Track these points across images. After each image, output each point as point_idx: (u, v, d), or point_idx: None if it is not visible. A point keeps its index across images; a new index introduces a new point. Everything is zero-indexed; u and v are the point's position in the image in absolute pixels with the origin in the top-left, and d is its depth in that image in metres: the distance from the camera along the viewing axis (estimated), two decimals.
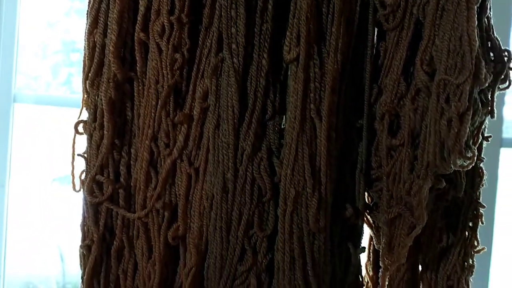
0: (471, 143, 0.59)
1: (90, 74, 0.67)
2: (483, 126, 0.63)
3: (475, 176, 0.70)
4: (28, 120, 1.71)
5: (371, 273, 0.76)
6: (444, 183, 0.62)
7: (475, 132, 0.61)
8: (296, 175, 0.63)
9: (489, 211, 1.32)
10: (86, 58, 0.68)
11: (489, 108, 0.64)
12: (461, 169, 0.60)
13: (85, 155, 0.70)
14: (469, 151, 0.59)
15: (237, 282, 0.65)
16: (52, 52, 1.85)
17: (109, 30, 0.66)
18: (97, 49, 0.67)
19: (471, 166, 0.60)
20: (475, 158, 0.60)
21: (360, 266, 0.71)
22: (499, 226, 1.48)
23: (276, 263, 0.65)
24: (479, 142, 0.63)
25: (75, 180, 0.72)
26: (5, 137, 1.50)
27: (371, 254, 0.76)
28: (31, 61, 1.75)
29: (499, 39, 0.66)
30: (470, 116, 0.58)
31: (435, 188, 0.62)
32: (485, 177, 0.71)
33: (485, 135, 0.69)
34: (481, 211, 0.71)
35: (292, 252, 0.64)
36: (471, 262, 0.70)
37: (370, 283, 0.76)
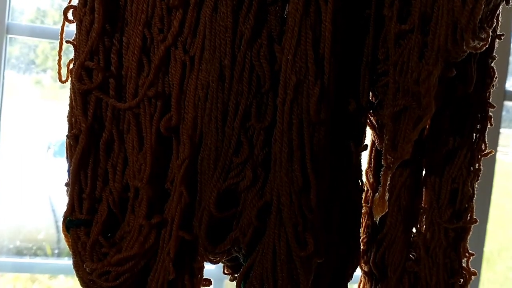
0: (485, 25, 0.55)
1: None
2: (498, 12, 0.59)
3: (486, 76, 0.66)
4: None
5: (371, 180, 0.73)
6: (455, 72, 0.58)
7: (490, 14, 0.57)
8: (298, 61, 0.59)
9: (491, 159, 1.30)
10: None
11: None
12: (474, 51, 0.56)
13: (74, 42, 0.66)
14: (483, 31, 0.55)
15: (232, 174, 0.62)
16: None
17: None
18: None
19: (484, 48, 0.56)
20: (489, 39, 0.56)
21: (361, 169, 0.68)
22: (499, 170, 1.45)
23: (273, 155, 0.61)
24: (493, 26, 0.58)
25: (61, 71, 0.69)
26: None
27: (372, 160, 0.73)
28: None
29: None
30: None
31: (445, 77, 0.59)
32: (495, 79, 0.67)
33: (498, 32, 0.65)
34: (490, 113, 0.67)
35: (290, 144, 0.60)
36: (477, 166, 0.67)
37: (370, 191, 0.74)
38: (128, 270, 0.62)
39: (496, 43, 0.66)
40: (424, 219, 0.69)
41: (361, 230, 0.74)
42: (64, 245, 1.71)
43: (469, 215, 0.67)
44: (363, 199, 0.72)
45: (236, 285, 0.63)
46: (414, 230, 0.72)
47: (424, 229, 0.68)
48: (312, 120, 0.60)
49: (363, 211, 0.73)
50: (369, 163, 0.73)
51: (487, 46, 0.56)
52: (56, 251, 1.70)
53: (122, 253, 0.62)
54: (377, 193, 0.65)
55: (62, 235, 0.70)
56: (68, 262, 1.43)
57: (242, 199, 0.62)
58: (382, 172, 0.64)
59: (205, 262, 0.68)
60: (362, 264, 0.74)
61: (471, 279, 0.69)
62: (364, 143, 0.67)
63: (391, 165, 0.63)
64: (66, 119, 0.67)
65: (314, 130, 0.61)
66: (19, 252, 1.67)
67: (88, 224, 0.65)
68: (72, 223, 0.65)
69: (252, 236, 0.62)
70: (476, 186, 0.68)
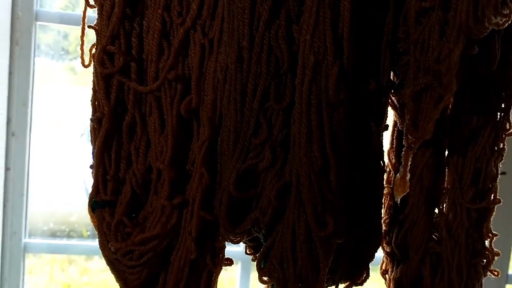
0: (508, 0, 0.54)
1: None
2: None
3: (510, 53, 0.64)
4: None
5: (393, 161, 0.72)
6: (477, 49, 0.57)
7: None
8: (316, 41, 0.59)
9: None
10: None
11: None
12: (496, 28, 0.55)
13: (96, 27, 0.67)
14: (505, 7, 0.53)
15: (251, 155, 0.62)
16: None
17: None
18: None
19: (507, 24, 0.55)
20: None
21: (382, 149, 0.68)
22: None
23: (292, 136, 0.61)
24: None
25: (84, 56, 0.70)
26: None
27: (394, 140, 0.72)
28: None
29: None
30: None
31: (467, 55, 0.58)
32: None
33: None
34: None
35: (309, 124, 0.60)
36: (501, 146, 0.66)
37: (392, 171, 0.73)
38: (151, 249, 0.64)
39: None
40: (446, 199, 0.68)
41: (383, 211, 0.73)
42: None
43: (492, 195, 0.66)
44: (385, 180, 0.72)
45: (257, 265, 0.64)
46: (436, 211, 0.71)
47: (446, 209, 0.68)
48: (331, 101, 0.60)
49: (385, 192, 0.73)
50: (391, 143, 0.73)
51: (509, 22, 0.55)
52: (89, 233, 1.76)
53: (145, 233, 0.64)
54: (398, 174, 0.64)
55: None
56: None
57: (262, 180, 0.63)
58: (403, 152, 0.64)
59: (228, 243, 0.69)
60: (384, 244, 0.74)
61: (494, 259, 0.68)
62: (385, 123, 0.66)
63: (413, 145, 0.62)
64: (90, 103, 0.68)
65: (333, 111, 0.61)
66: (53, 234, 1.72)
67: (113, 205, 0.66)
68: (97, 204, 0.67)
69: (272, 216, 0.62)
70: (501, 166, 0.67)
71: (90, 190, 0.67)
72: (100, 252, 0.68)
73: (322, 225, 0.61)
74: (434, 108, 0.61)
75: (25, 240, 1.33)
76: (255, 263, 0.66)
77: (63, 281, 2.01)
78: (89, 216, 0.68)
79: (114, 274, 0.67)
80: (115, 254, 0.65)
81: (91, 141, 0.68)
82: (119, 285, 0.68)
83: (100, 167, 0.67)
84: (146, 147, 0.67)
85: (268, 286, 0.82)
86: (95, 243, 0.68)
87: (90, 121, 0.67)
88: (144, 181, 0.67)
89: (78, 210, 1.78)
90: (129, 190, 0.66)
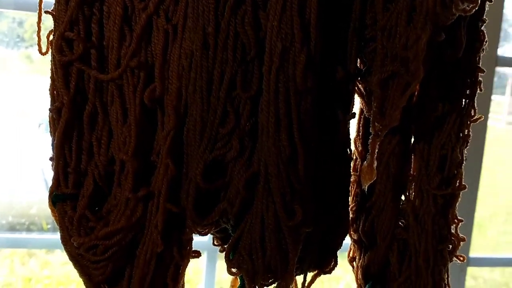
0: None
1: None
2: None
3: (475, 40, 0.65)
4: None
5: (360, 148, 0.72)
6: (444, 36, 0.57)
7: None
8: (284, 27, 0.58)
9: (482, 125, 1.30)
10: None
11: None
12: (463, 14, 0.55)
13: (53, 12, 0.64)
14: None
15: (219, 145, 0.61)
16: None
17: None
18: None
19: (473, 10, 0.55)
20: (479, 1, 0.55)
21: (349, 137, 0.68)
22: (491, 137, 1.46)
23: (260, 125, 0.60)
24: None
25: (41, 43, 0.67)
26: None
27: (360, 128, 0.72)
28: None
29: None
30: None
31: (434, 42, 0.57)
32: (485, 43, 0.66)
33: None
34: (479, 77, 0.66)
35: (277, 113, 0.59)
36: (466, 132, 0.67)
37: (358, 159, 0.73)
38: (116, 243, 0.62)
39: (487, 6, 0.65)
40: (413, 186, 0.68)
41: (350, 198, 0.73)
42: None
43: (458, 181, 0.67)
44: (351, 168, 0.71)
45: (225, 256, 0.63)
46: (403, 198, 0.71)
47: (413, 196, 0.68)
48: (299, 88, 0.59)
49: (352, 179, 0.72)
50: (358, 131, 0.73)
51: (476, 8, 0.55)
52: (49, 226, 1.71)
53: (109, 227, 0.62)
54: (366, 161, 0.64)
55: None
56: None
57: (229, 170, 0.62)
58: (370, 140, 0.64)
59: (195, 234, 0.68)
60: (351, 232, 0.74)
61: (460, 245, 0.69)
62: (352, 111, 0.66)
63: (380, 133, 0.62)
64: (48, 92, 0.65)
65: (301, 99, 0.60)
66: (12, 228, 1.67)
67: (74, 198, 0.64)
68: (58, 198, 0.64)
69: (240, 206, 0.61)
70: (466, 152, 0.68)
71: (50, 182, 0.64)
72: (62, 246, 0.65)
73: (291, 214, 0.60)
74: (401, 95, 0.60)
75: None
76: (223, 254, 0.65)
77: (24, 275, 1.96)
78: (49, 208, 0.66)
79: (77, 269, 0.65)
80: (78, 249, 0.63)
81: (51, 132, 0.65)
82: (83, 280, 0.65)
83: (61, 159, 0.64)
84: (108, 138, 0.64)
85: (235, 279, 0.82)
86: (56, 236, 0.66)
87: (48, 111, 0.64)
88: (107, 173, 0.64)
89: (38, 202, 1.73)
90: (91, 182, 0.64)
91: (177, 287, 0.66)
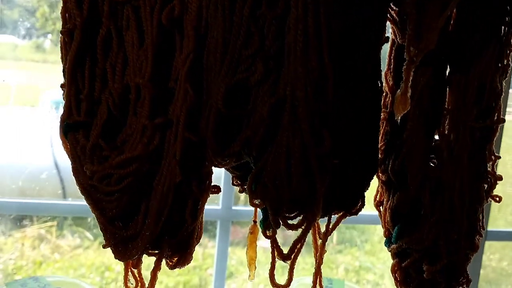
0: None
1: None
2: None
3: None
4: None
5: (391, 82, 0.68)
6: None
7: None
8: None
9: None
10: None
11: None
12: None
13: None
14: None
15: (242, 68, 0.57)
16: None
17: None
18: None
19: None
20: None
21: (380, 67, 0.63)
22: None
23: (287, 45, 0.56)
24: None
25: None
26: None
27: (392, 61, 0.68)
28: None
29: None
30: None
31: None
32: None
33: None
34: None
35: (306, 32, 0.55)
36: (505, 62, 0.62)
37: (389, 95, 0.69)
38: (132, 173, 0.58)
39: None
40: (447, 121, 0.64)
41: (380, 138, 0.69)
42: (67, 185, 1.68)
43: (496, 114, 0.62)
44: (382, 104, 0.67)
45: (248, 187, 0.58)
46: (436, 137, 0.67)
47: (447, 131, 0.64)
48: (329, 7, 0.55)
49: (381, 117, 0.68)
50: (389, 65, 0.68)
51: None
52: (59, 192, 1.68)
53: (124, 154, 0.58)
54: (399, 90, 0.60)
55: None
56: (73, 202, 1.40)
57: (253, 96, 0.57)
58: (404, 67, 0.59)
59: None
60: (379, 174, 0.70)
61: (496, 183, 0.65)
62: (385, 35, 0.61)
63: (415, 58, 0.58)
64: (60, 15, 0.61)
65: (332, 18, 0.55)
66: (23, 193, 1.64)
67: (87, 127, 0.60)
68: (70, 127, 0.61)
69: (264, 135, 0.57)
70: (504, 84, 0.63)
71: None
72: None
73: (319, 141, 0.56)
74: (438, 16, 0.56)
75: None
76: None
77: (35, 258, 1.95)
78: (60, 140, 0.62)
79: (89, 203, 0.61)
80: (91, 180, 0.59)
81: (62, 57, 0.61)
82: (96, 216, 0.62)
83: (73, 86, 0.60)
84: (123, 65, 0.60)
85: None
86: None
87: (60, 34, 0.60)
88: (122, 102, 0.61)
89: (49, 168, 1.70)
90: (105, 111, 0.60)
91: (196, 224, 0.62)
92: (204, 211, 0.64)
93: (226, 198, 1.47)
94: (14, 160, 1.66)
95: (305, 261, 1.85)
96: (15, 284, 0.95)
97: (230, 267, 2.19)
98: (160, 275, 0.64)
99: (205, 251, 2.23)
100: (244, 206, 1.61)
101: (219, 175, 1.31)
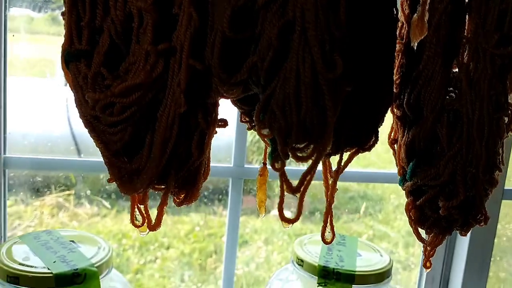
0: None
1: None
2: None
3: None
4: None
5: (407, 11, 0.64)
6: None
7: None
8: None
9: None
10: None
11: None
12: None
13: None
14: None
15: None
16: None
17: None
18: None
19: None
20: None
21: None
22: None
23: None
24: None
25: None
26: None
27: None
28: None
29: None
30: None
31: None
32: None
33: None
34: None
35: None
36: None
37: (404, 25, 0.65)
38: (135, 101, 0.56)
39: None
40: (466, 49, 0.60)
41: (394, 70, 0.66)
42: (80, 142, 1.67)
43: None
44: (397, 34, 0.64)
45: (255, 117, 0.56)
46: (455, 70, 0.64)
47: (466, 59, 0.60)
48: None
49: (397, 48, 0.65)
50: None
51: None
52: (72, 148, 1.68)
53: (127, 82, 0.56)
54: (416, 14, 0.56)
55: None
56: (85, 159, 1.39)
57: (260, 19, 0.54)
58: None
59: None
60: (394, 109, 0.67)
61: None
62: None
63: None
64: None
65: None
66: (35, 150, 1.64)
67: (89, 55, 0.58)
68: (72, 56, 0.58)
69: (272, 60, 0.54)
70: None
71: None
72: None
73: (330, 66, 0.53)
74: None
75: (4, 155, 1.25)
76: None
77: (53, 226, 1.96)
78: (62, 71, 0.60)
79: (93, 136, 0.59)
80: (94, 110, 0.57)
81: None
82: (100, 150, 0.60)
83: (73, 13, 0.58)
84: None
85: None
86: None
87: None
88: (125, 30, 0.58)
89: (61, 125, 1.70)
90: (107, 39, 0.58)
91: (202, 157, 0.60)
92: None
93: (238, 156, 1.46)
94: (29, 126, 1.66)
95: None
96: (29, 237, 0.95)
97: (245, 235, 2.20)
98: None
99: (220, 219, 2.24)
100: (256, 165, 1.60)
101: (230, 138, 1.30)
